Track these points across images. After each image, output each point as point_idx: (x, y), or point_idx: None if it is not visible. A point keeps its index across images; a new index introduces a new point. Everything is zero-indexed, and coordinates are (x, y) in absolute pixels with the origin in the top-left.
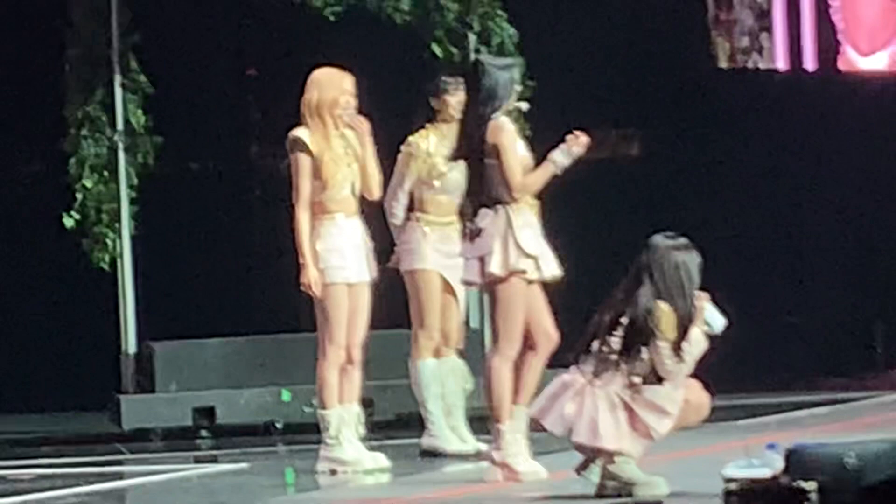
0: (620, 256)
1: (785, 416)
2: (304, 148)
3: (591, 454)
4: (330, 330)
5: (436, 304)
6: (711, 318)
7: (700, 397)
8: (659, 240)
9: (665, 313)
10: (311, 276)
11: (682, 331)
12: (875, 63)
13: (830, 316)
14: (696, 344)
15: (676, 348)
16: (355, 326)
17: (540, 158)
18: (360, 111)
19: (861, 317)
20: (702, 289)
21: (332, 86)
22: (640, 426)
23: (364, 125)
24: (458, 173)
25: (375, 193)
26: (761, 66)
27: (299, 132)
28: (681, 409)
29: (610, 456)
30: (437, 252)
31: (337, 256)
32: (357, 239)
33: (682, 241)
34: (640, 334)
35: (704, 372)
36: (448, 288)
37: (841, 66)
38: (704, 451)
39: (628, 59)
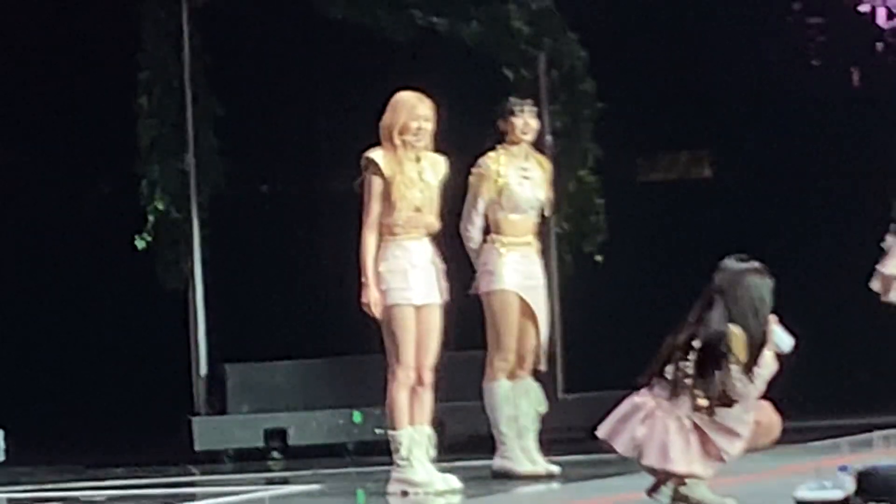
0: (692, 280)
1: (857, 438)
2: (377, 169)
3: (662, 477)
4: (397, 351)
5: (513, 325)
6: (779, 338)
7: (771, 419)
8: (731, 263)
9: (737, 336)
10: (371, 297)
11: (754, 354)
12: None
13: None
14: (767, 366)
15: (748, 371)
16: (425, 348)
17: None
18: (437, 136)
19: None
20: (772, 311)
21: (405, 110)
22: (712, 448)
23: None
24: (529, 191)
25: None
26: None
27: (373, 153)
28: (752, 431)
29: (680, 479)
30: (515, 273)
31: (400, 278)
32: (424, 261)
33: (755, 264)
34: (712, 357)
35: (776, 394)
36: (526, 309)
37: None
38: (776, 473)
39: (696, 81)
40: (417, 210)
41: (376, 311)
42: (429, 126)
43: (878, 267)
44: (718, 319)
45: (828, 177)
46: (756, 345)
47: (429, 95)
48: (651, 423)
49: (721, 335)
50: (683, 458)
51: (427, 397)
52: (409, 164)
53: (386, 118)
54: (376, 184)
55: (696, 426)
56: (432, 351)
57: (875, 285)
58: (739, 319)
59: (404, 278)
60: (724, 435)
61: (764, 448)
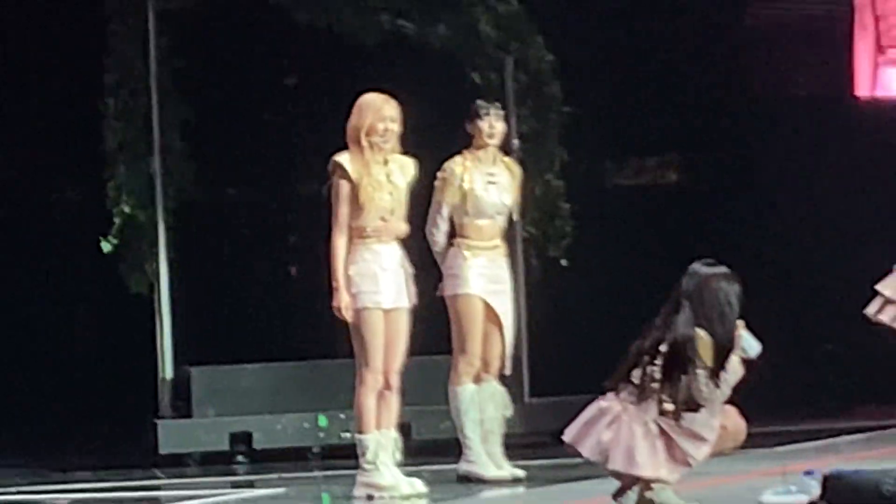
0: (659, 285)
1: (822, 443)
2: (344, 173)
3: (628, 481)
4: (366, 355)
5: (477, 329)
6: (747, 343)
7: (737, 424)
8: (699, 267)
9: (703, 341)
10: (342, 301)
11: (721, 358)
12: None
13: (868, 343)
14: (733, 371)
15: (714, 376)
16: (393, 352)
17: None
18: (405, 139)
19: None
20: (739, 316)
21: (371, 111)
22: (678, 453)
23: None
24: (494, 196)
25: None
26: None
27: (341, 157)
28: (718, 436)
29: (647, 483)
30: (480, 277)
31: (370, 282)
32: (393, 265)
33: (723, 269)
34: (678, 362)
35: (741, 399)
36: (491, 314)
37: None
38: (741, 478)
39: (664, 86)
40: (388, 212)
41: (347, 315)
42: (395, 127)
43: (879, 288)
44: (685, 324)
45: (795, 182)
46: (723, 349)
47: (395, 97)
48: (617, 427)
49: (688, 339)
50: (650, 462)
51: (394, 401)
52: (376, 167)
53: (352, 120)
54: (344, 187)
55: (662, 431)
56: (400, 355)
57: (873, 308)
58: (706, 324)
59: (374, 282)
60: (691, 439)
61: (730, 452)
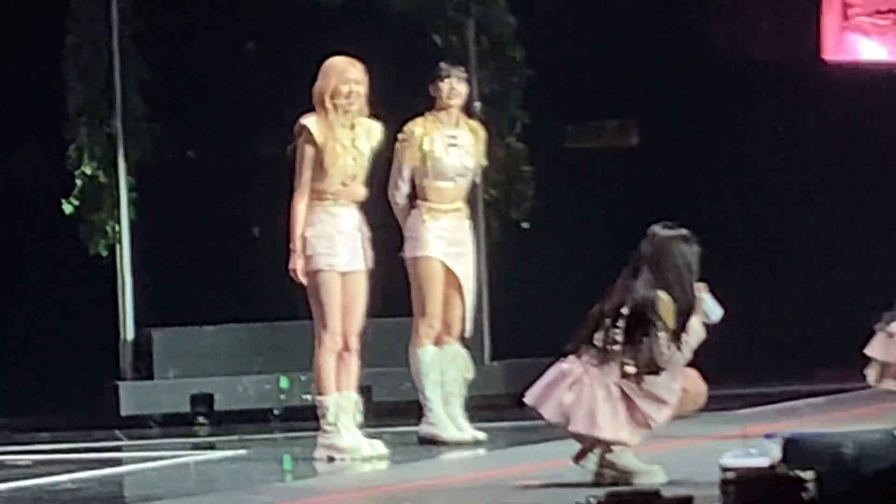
0: (620, 247)
1: (782, 406)
2: (309, 136)
3: (590, 443)
4: (323, 317)
5: (437, 292)
6: (709, 307)
7: (697, 387)
8: (658, 230)
9: (664, 303)
10: (298, 264)
11: (682, 321)
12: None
13: (828, 307)
14: (695, 334)
15: (675, 338)
16: (351, 314)
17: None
18: (371, 101)
19: (858, 309)
20: (701, 279)
21: (335, 74)
22: (639, 416)
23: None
24: (455, 159)
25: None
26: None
27: (306, 120)
28: (678, 399)
29: (607, 445)
30: (439, 240)
31: (325, 244)
32: (351, 228)
33: (683, 231)
34: (640, 324)
35: (702, 362)
36: (451, 277)
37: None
38: (702, 441)
39: (625, 49)
40: (349, 177)
41: (301, 277)
42: (361, 89)
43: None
44: (645, 286)
45: (753, 145)
46: (683, 311)
47: (360, 60)
48: (579, 389)
49: (648, 302)
50: (611, 424)
51: (353, 363)
52: (342, 131)
53: (318, 84)
54: (308, 151)
55: (623, 393)
56: (358, 317)
57: (871, 377)
58: (666, 286)
59: (330, 244)
60: (652, 402)
61: (691, 415)
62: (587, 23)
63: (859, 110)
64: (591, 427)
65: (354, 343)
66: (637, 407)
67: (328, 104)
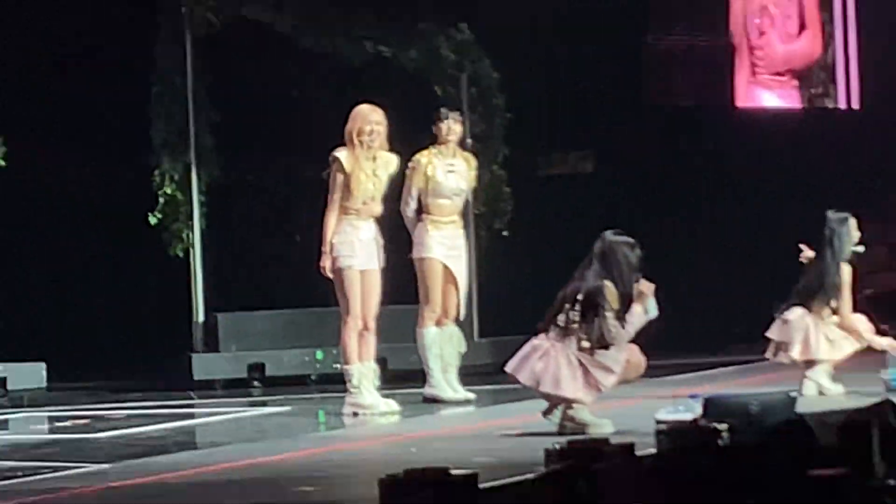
0: (579, 249)
1: (704, 374)
2: (340, 166)
3: (555, 401)
4: (346, 304)
5: (437, 285)
6: (651, 305)
7: (639, 358)
8: (608, 234)
9: (611, 290)
10: (326, 263)
11: (625, 305)
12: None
13: (741, 299)
14: (638, 317)
15: (620, 318)
16: (368, 302)
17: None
18: (389, 137)
19: (763, 297)
20: (648, 279)
21: (360, 117)
22: (592, 380)
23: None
24: (453, 182)
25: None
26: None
27: (339, 153)
28: (623, 368)
29: (569, 402)
30: (440, 245)
31: (347, 248)
32: (368, 236)
33: (626, 237)
34: (591, 307)
35: (643, 339)
36: (449, 273)
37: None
38: (642, 400)
39: (583, 95)
40: (369, 198)
41: (329, 274)
42: (381, 129)
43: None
44: (595, 277)
45: (681, 171)
46: (625, 297)
47: (379, 106)
48: (546, 359)
49: (598, 290)
50: (571, 386)
51: (371, 340)
52: (365, 162)
53: (348, 125)
54: (339, 177)
55: (580, 362)
56: (374, 304)
57: (770, 353)
58: (611, 278)
59: (351, 249)
60: (602, 370)
61: (633, 381)
62: (553, 75)
63: (763, 144)
64: (556, 388)
65: (372, 324)
66: (591, 373)
67: (355, 141)
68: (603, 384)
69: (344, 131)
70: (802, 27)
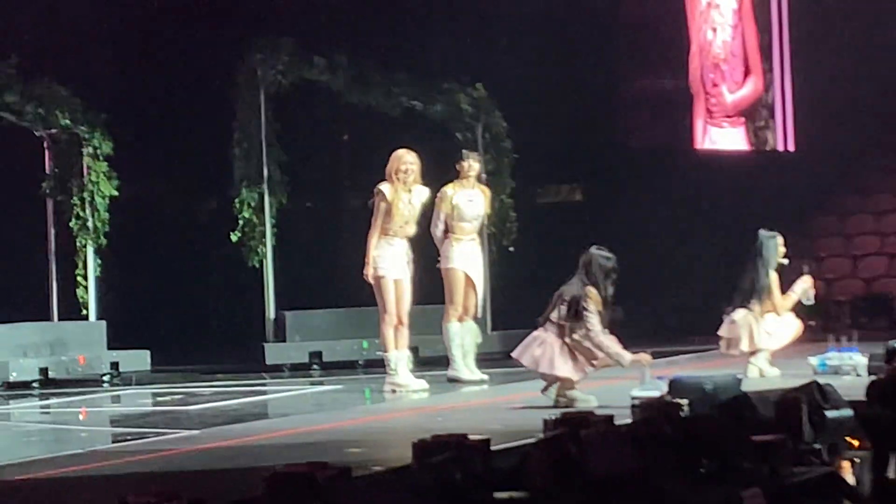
0: (570, 262)
1: (669, 360)
2: (383, 197)
3: (551, 380)
4: (384, 304)
5: (460, 289)
6: (651, 384)
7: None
8: (592, 248)
9: (593, 294)
10: (369, 271)
11: (606, 306)
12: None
13: (699, 298)
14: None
15: (601, 315)
16: (401, 304)
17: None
18: (422, 174)
19: (716, 299)
20: (621, 284)
21: (398, 158)
22: (580, 363)
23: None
24: (471, 209)
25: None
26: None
27: (382, 186)
28: (603, 354)
29: (562, 381)
30: (462, 257)
31: (384, 261)
32: (401, 252)
33: (606, 252)
34: (578, 307)
35: (620, 332)
36: (468, 279)
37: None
38: (619, 380)
39: (572, 139)
40: (404, 222)
41: (370, 279)
42: (415, 168)
43: (720, 333)
44: (580, 283)
45: (650, 200)
46: (605, 300)
47: (412, 149)
48: (544, 347)
49: (584, 294)
50: (564, 367)
51: (405, 332)
52: (403, 194)
53: (388, 165)
54: (382, 206)
55: (570, 349)
56: (406, 305)
57: (722, 347)
58: (594, 283)
59: (388, 262)
60: (586, 356)
61: (609, 364)
62: (549, 125)
63: (720, 181)
64: (552, 369)
65: (405, 320)
66: (578, 359)
67: (394, 177)
68: (588, 367)
69: (385, 170)
70: (747, 72)
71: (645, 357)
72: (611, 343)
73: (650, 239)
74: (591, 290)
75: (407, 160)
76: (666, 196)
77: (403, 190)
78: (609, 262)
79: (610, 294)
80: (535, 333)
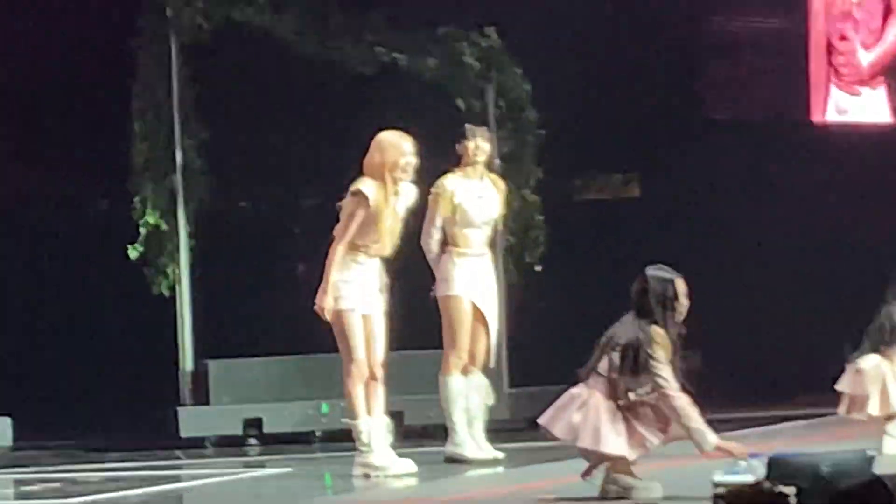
0: (622, 288)
1: (767, 429)
2: (366, 202)
3: (595, 460)
4: (348, 350)
5: (465, 327)
6: (750, 465)
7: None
8: (649, 270)
9: (659, 334)
10: (325, 303)
11: (676, 346)
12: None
13: (806, 342)
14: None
15: (672, 365)
16: (372, 348)
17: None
18: (420, 168)
19: (833, 341)
20: (691, 314)
21: (394, 149)
22: (638, 436)
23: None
24: (480, 211)
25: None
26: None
27: (365, 188)
28: (672, 424)
29: (611, 460)
30: (467, 280)
31: (347, 288)
32: (370, 276)
33: (668, 272)
34: (637, 354)
35: (694, 390)
36: (477, 313)
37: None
38: (695, 460)
39: (627, 110)
40: (384, 236)
41: (326, 315)
42: (414, 160)
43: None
44: (636, 321)
45: (745, 196)
46: (676, 336)
47: (406, 131)
48: (586, 410)
49: (645, 336)
50: (613, 440)
51: (380, 390)
52: (392, 199)
53: (376, 158)
54: (360, 212)
55: (624, 416)
56: (379, 350)
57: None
58: (659, 320)
59: (353, 289)
60: (648, 426)
61: (682, 438)
62: (593, 87)
63: (850, 167)
64: (597, 442)
65: (379, 372)
66: (636, 429)
67: (387, 177)
68: (650, 441)
69: (363, 160)
70: (887, 14)
71: (738, 449)
72: (693, 412)
73: (740, 252)
74: (657, 331)
75: (407, 150)
76: (768, 191)
77: (392, 193)
78: (670, 287)
79: (677, 333)
80: (572, 391)
